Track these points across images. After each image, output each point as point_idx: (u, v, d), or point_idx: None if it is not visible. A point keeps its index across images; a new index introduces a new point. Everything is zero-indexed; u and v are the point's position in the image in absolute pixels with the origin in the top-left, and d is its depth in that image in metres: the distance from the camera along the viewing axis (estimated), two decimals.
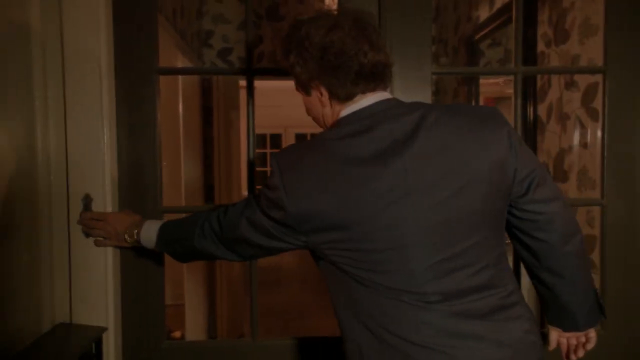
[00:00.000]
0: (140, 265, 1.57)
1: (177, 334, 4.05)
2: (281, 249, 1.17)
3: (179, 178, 4.00)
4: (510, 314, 1.11)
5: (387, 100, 1.14)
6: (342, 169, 1.05)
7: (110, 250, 1.51)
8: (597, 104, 2.31)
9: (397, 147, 1.06)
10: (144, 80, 1.55)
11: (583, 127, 2.48)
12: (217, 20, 4.08)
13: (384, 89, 1.16)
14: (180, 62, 3.50)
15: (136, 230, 1.38)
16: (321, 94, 1.15)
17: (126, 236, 1.40)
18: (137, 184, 1.56)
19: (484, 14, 3.61)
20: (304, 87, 1.19)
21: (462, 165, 1.06)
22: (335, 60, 1.09)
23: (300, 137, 10.20)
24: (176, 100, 3.91)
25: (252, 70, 1.61)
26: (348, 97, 1.13)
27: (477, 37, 3.71)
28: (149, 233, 1.36)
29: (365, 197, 1.04)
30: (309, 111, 1.24)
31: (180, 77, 3.86)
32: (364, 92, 1.13)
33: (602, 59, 1.64)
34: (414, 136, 1.07)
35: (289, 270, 7.60)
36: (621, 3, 1.61)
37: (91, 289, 1.50)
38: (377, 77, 1.13)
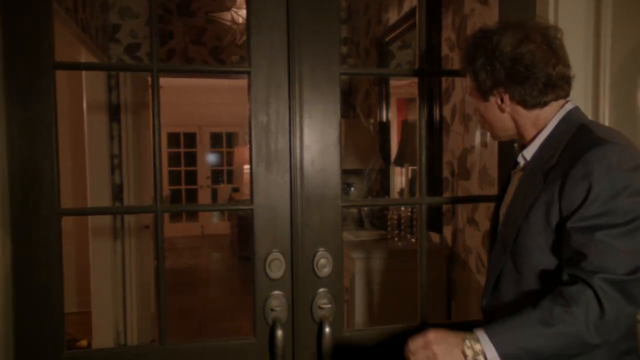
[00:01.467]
0: (36, 268, 1.47)
1: (84, 342, 3.85)
2: None
3: (84, 178, 3.81)
4: None
5: None
6: None
7: None
8: None
9: None
10: (37, 74, 1.45)
11: (483, 127, 2.63)
12: (124, 14, 3.92)
13: (567, 97, 1.24)
14: (84, 57, 3.33)
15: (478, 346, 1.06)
16: (502, 101, 1.20)
17: (466, 349, 1.06)
18: (32, 185, 1.46)
19: (393, 17, 3.73)
20: (483, 93, 1.22)
21: None
22: (525, 72, 1.14)
23: (215, 137, 10.03)
24: (80, 97, 3.71)
25: (157, 68, 1.56)
26: (536, 105, 1.19)
27: (387, 39, 3.82)
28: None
29: None
30: (483, 114, 1.27)
31: (84, 72, 3.67)
32: (557, 99, 1.20)
33: None
34: None
35: (205, 272, 7.46)
36: (514, 11, 1.72)
37: None
38: (563, 87, 1.19)
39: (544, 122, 1.20)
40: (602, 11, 1.57)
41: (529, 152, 1.23)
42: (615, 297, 1.00)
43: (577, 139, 1.13)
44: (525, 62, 1.14)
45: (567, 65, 1.19)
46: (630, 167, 1.05)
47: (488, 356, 1.03)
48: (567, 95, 1.21)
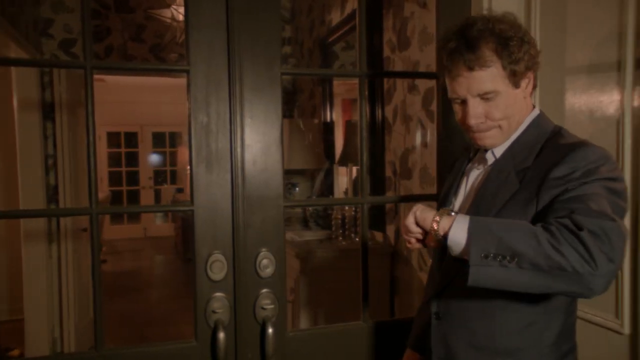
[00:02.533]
0: None
1: (16, 352, 3.67)
2: None
3: (16, 179, 3.63)
4: None
5: None
6: None
7: None
8: (435, 106, 2.52)
9: None
10: None
11: (423, 127, 2.69)
12: (57, 9, 3.76)
13: None
14: (14, 53, 3.17)
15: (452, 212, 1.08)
16: (529, 81, 1.19)
17: (436, 217, 1.05)
18: None
19: (336, 18, 3.76)
20: (515, 80, 1.15)
21: None
22: (535, 56, 1.18)
23: (157, 136, 9.78)
24: (9, 95, 3.53)
25: (90, 64, 1.50)
26: (533, 90, 1.22)
27: (330, 40, 3.85)
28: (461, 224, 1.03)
29: None
30: (508, 107, 1.16)
31: (13, 69, 3.49)
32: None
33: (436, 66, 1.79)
34: None
35: (148, 275, 7.27)
36: (451, 14, 1.76)
37: None
38: None
39: (522, 119, 1.20)
40: (532, 14, 1.64)
41: (499, 150, 1.20)
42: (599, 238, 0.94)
43: (554, 143, 1.12)
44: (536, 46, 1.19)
45: None
46: (610, 168, 1.05)
47: (455, 224, 1.02)
48: None
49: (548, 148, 1.13)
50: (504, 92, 1.14)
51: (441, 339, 1.25)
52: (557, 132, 1.17)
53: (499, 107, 1.15)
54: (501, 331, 1.15)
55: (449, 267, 1.22)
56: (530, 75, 1.18)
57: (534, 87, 1.21)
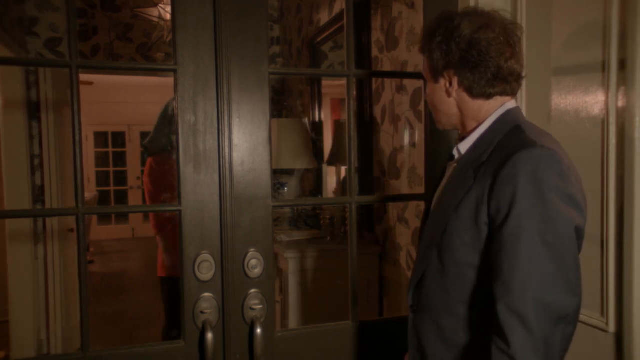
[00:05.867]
0: None
1: (1, 354, 3.63)
2: None
3: (1, 179, 3.59)
4: None
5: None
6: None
7: None
8: (423, 106, 2.53)
9: None
10: None
11: (412, 127, 2.70)
12: (42, 7, 3.72)
13: (515, 96, 1.24)
14: None
15: None
16: (450, 84, 1.20)
17: None
18: None
19: (324, 18, 3.76)
20: (434, 74, 1.23)
21: None
22: (477, 58, 1.14)
23: (145, 136, 9.71)
24: None
25: (76, 64, 1.49)
26: (482, 95, 1.19)
27: (318, 39, 3.85)
28: None
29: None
30: (431, 97, 1.27)
31: None
32: (502, 94, 1.19)
33: None
34: None
35: (136, 276, 7.22)
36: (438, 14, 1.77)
37: None
38: (511, 83, 1.19)
39: (484, 116, 1.21)
40: (518, 15, 1.65)
41: (464, 146, 1.22)
42: (542, 318, 1.01)
43: (509, 138, 1.13)
44: (479, 48, 1.14)
45: (520, 63, 1.19)
46: (555, 172, 1.04)
47: None
48: (513, 92, 1.22)
49: (503, 143, 1.13)
50: (428, 81, 1.27)
51: (415, 331, 1.28)
52: (518, 127, 1.15)
53: (427, 94, 1.28)
54: (466, 327, 1.15)
55: (421, 259, 1.25)
56: (451, 76, 1.19)
57: (469, 90, 1.19)
